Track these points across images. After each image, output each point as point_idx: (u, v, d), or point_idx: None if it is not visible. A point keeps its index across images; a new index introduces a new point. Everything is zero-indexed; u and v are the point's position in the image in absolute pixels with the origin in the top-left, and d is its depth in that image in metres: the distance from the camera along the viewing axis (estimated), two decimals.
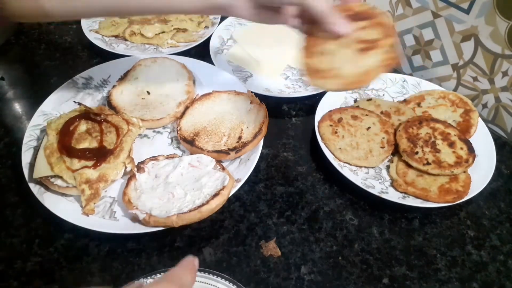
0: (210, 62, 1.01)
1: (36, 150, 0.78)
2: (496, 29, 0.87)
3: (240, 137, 0.82)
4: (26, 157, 0.77)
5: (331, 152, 0.83)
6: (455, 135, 0.84)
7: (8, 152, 0.83)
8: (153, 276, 0.62)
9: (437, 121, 0.87)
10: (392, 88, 0.98)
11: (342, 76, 0.60)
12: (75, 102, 0.85)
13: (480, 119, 0.89)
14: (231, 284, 0.62)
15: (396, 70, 1.08)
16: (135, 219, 0.69)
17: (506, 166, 0.86)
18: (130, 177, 0.75)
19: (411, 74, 1.08)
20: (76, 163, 0.73)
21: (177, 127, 0.84)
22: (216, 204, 0.68)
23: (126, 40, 1.09)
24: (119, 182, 0.77)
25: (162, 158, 0.78)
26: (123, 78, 0.93)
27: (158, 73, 0.95)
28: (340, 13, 0.60)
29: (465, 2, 0.90)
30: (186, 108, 0.87)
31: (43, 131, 0.82)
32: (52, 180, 0.72)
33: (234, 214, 0.76)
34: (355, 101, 0.95)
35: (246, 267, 0.69)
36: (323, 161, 0.82)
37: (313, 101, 0.94)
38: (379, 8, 0.64)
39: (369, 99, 0.94)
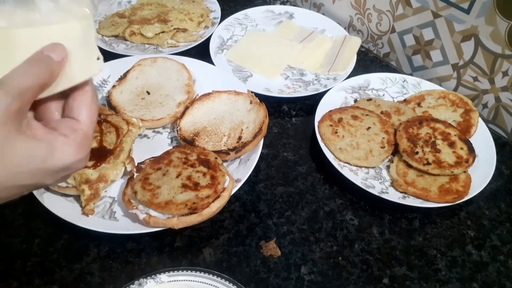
0: (210, 62, 1.01)
1: None
2: (496, 29, 0.87)
3: (240, 137, 0.82)
4: None
5: (331, 152, 0.83)
6: (455, 135, 0.84)
7: None
8: (153, 276, 0.62)
9: (437, 121, 0.87)
10: (392, 88, 0.98)
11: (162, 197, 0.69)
12: None
13: (480, 119, 0.89)
14: (231, 284, 0.62)
15: (396, 70, 1.08)
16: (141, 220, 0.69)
17: (506, 166, 0.86)
18: (130, 177, 0.75)
19: (411, 74, 1.08)
20: None
21: (177, 127, 0.84)
22: (217, 207, 0.68)
23: (126, 40, 1.09)
24: (119, 182, 0.77)
25: None
26: (123, 78, 0.93)
27: (158, 73, 0.95)
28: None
29: (465, 2, 0.90)
30: (186, 108, 0.87)
31: None
32: None
33: (234, 214, 0.76)
34: (355, 101, 0.95)
35: (246, 267, 0.69)
36: (323, 161, 0.82)
37: (313, 101, 0.94)
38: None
39: (369, 99, 0.94)
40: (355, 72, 1.00)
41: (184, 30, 1.11)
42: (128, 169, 0.76)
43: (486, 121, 0.96)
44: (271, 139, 0.89)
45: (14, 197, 0.41)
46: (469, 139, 0.85)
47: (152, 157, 0.77)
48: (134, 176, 0.74)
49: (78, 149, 0.41)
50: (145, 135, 0.87)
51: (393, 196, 0.77)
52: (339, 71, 1.01)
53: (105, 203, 0.74)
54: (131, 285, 0.61)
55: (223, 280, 0.62)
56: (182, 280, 0.63)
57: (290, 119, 0.95)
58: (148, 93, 0.91)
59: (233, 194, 0.73)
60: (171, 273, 0.63)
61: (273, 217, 0.76)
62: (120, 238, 0.70)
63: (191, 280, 0.63)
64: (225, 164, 0.80)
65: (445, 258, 0.72)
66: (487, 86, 0.95)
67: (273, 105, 0.95)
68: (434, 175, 0.79)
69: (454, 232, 0.75)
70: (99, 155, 0.74)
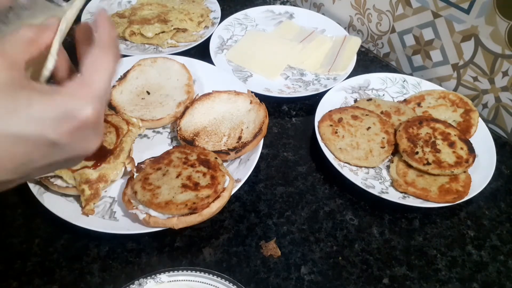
0: (210, 62, 1.00)
1: None
2: (496, 29, 0.87)
3: (240, 137, 0.82)
4: None
5: (331, 152, 0.83)
6: (455, 135, 0.84)
7: None
8: (153, 276, 0.62)
9: (437, 121, 0.87)
10: (392, 88, 0.98)
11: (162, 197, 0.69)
12: None
13: (480, 119, 0.89)
14: (231, 284, 0.62)
15: (396, 70, 1.08)
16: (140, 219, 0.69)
17: (506, 166, 0.86)
18: (130, 177, 0.75)
19: (411, 74, 1.08)
20: None
21: (177, 127, 0.84)
22: (217, 207, 0.68)
23: (126, 40, 1.09)
24: (119, 182, 0.77)
25: None
26: (123, 78, 0.93)
27: (158, 73, 0.95)
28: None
29: (465, 2, 0.90)
30: (186, 108, 0.87)
31: None
32: (52, 180, 0.72)
33: (234, 214, 0.76)
34: (355, 101, 0.95)
35: (246, 267, 0.69)
36: (323, 161, 0.82)
37: (313, 101, 0.94)
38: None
39: (369, 99, 0.94)
40: (355, 72, 1.00)
41: (184, 30, 1.11)
42: (128, 169, 0.76)
43: (486, 121, 0.96)
44: (271, 139, 0.89)
45: (14, 155, 0.38)
46: (469, 139, 0.85)
47: (152, 157, 0.77)
48: (134, 176, 0.74)
49: (74, 92, 0.39)
50: (145, 135, 0.87)
51: (393, 196, 0.77)
52: (339, 71, 1.01)
53: (105, 203, 0.74)
54: (131, 285, 0.61)
55: (223, 280, 0.62)
56: (182, 280, 0.63)
57: (290, 119, 0.95)
58: (148, 93, 0.91)
59: (233, 194, 0.73)
60: (171, 273, 0.63)
61: (273, 217, 0.76)
62: (120, 238, 0.70)
63: (191, 280, 0.63)
64: (225, 164, 0.80)
65: (445, 258, 0.72)
66: (487, 86, 0.95)
67: (273, 105, 0.95)
68: (434, 175, 0.79)
69: (454, 232, 0.75)
70: (99, 155, 0.74)
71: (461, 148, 0.81)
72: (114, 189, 0.76)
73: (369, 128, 0.86)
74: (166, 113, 0.87)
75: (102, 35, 0.44)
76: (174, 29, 1.10)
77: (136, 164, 0.77)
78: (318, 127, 0.86)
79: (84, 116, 0.39)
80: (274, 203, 0.78)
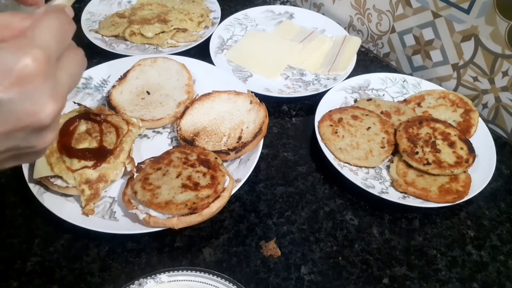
0: (210, 62, 1.00)
1: None
2: (496, 29, 0.87)
3: (240, 137, 0.82)
4: None
5: (331, 152, 0.83)
6: (455, 135, 0.84)
7: None
8: (153, 276, 0.62)
9: (437, 121, 0.87)
10: (392, 88, 0.98)
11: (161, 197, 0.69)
12: (74, 102, 0.85)
13: (480, 119, 0.89)
14: (231, 284, 0.62)
15: (396, 70, 1.08)
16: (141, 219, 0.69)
17: (506, 166, 0.86)
18: (130, 177, 0.75)
19: (411, 74, 1.08)
20: (76, 163, 0.73)
21: (177, 127, 0.84)
22: (217, 207, 0.68)
23: (126, 40, 1.09)
24: (119, 182, 0.77)
25: None
26: (123, 78, 0.93)
27: (158, 73, 0.95)
28: None
29: (465, 2, 0.90)
30: (186, 108, 0.87)
31: None
32: (52, 180, 0.72)
33: (234, 214, 0.76)
34: (355, 101, 0.95)
35: (246, 267, 0.69)
36: (323, 161, 0.82)
37: (313, 101, 0.94)
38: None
39: (369, 99, 0.94)
40: (355, 72, 1.00)
41: (184, 30, 1.11)
42: (128, 169, 0.76)
43: (486, 121, 0.96)
44: (271, 139, 0.89)
45: None
46: (469, 139, 0.85)
47: (152, 157, 0.77)
48: (134, 176, 0.74)
49: (12, 45, 0.36)
50: (145, 135, 0.87)
51: (393, 196, 0.77)
52: (339, 71, 1.01)
53: (105, 203, 0.74)
54: (131, 285, 0.61)
55: (223, 280, 0.62)
56: (182, 280, 0.63)
57: (290, 119, 0.95)
58: (148, 93, 0.91)
59: (233, 194, 0.73)
60: (171, 273, 0.63)
61: (273, 217, 0.76)
62: (120, 238, 0.70)
63: (191, 280, 0.63)
64: (225, 164, 0.80)
65: (445, 258, 0.72)
66: (487, 86, 0.95)
67: (273, 105, 0.95)
68: (434, 175, 0.79)
69: (454, 232, 0.75)
70: (99, 155, 0.74)
71: (461, 148, 0.81)
72: (114, 189, 0.76)
73: (369, 128, 0.86)
74: (166, 113, 0.87)
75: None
76: (174, 29, 1.10)
77: (136, 164, 0.77)
78: (318, 127, 0.86)
79: (21, 66, 0.36)
80: (274, 203, 0.78)
